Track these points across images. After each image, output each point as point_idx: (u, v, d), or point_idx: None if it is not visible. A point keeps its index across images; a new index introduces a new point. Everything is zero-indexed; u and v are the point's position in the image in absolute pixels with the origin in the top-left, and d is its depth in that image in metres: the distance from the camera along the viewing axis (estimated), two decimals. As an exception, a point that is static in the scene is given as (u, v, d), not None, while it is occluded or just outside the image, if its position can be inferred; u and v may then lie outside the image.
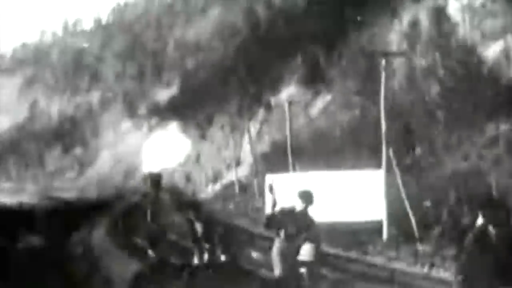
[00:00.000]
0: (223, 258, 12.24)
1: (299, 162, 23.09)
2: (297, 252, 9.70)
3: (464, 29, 27.47)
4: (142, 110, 62.77)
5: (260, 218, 19.13)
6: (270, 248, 10.19)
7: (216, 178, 40.17)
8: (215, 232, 11.84)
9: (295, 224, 9.57)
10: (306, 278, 10.29)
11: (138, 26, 78.73)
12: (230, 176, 36.27)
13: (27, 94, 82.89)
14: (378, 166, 18.93)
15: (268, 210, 11.42)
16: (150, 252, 14.97)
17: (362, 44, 31.54)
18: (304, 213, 9.71)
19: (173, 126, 39.76)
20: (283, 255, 9.66)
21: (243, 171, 35.07)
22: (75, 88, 78.88)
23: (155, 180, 22.27)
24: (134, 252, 15.57)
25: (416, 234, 17.29)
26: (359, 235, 17.99)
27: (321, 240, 10.17)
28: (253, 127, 38.19)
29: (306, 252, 10.43)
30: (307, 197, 9.76)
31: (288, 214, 9.62)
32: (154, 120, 55.29)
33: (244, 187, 32.27)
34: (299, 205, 9.74)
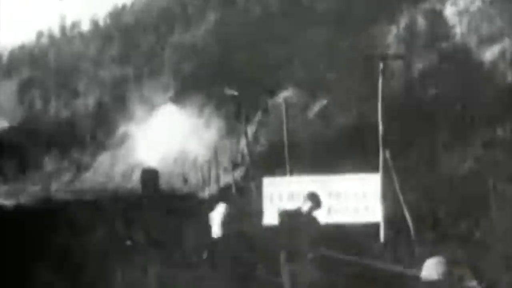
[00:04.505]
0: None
1: (296, 165, 23.04)
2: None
3: (461, 32, 27.52)
4: (139, 113, 62.74)
5: (257, 220, 19.10)
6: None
7: (213, 180, 40.13)
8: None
9: (302, 229, 9.68)
10: None
11: (135, 29, 78.68)
12: (227, 178, 36.24)
13: (24, 97, 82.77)
14: (375, 169, 18.91)
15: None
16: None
17: (360, 47, 31.56)
18: (309, 213, 9.90)
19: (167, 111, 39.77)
20: (290, 261, 9.74)
21: (240, 174, 35.05)
22: (72, 91, 78.81)
23: (151, 176, 22.16)
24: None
25: (413, 236, 17.30)
26: (356, 238, 17.98)
27: (320, 237, 10.25)
28: (250, 130, 38.20)
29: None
30: (316, 199, 9.93)
31: (295, 218, 9.80)
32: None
33: (241, 190, 32.23)
34: (306, 206, 9.91)
